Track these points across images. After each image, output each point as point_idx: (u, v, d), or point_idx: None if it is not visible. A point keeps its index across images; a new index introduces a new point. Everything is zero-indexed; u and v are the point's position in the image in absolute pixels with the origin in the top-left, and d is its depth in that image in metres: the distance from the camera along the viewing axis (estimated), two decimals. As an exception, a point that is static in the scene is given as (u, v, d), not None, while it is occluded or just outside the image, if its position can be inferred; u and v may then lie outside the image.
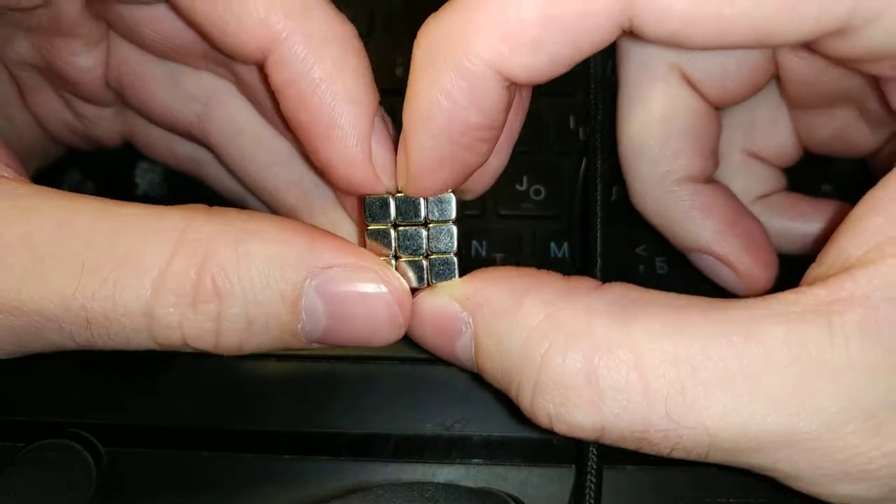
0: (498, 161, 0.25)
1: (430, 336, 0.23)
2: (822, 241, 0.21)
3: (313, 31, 0.22)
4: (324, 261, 0.20)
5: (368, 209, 0.24)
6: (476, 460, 0.29)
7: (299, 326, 0.21)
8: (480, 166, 0.23)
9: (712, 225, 0.28)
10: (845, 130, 0.28)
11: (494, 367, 0.21)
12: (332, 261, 0.21)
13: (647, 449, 0.20)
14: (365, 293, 0.21)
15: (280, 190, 0.29)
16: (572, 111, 0.35)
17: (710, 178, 0.28)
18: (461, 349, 0.22)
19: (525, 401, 0.20)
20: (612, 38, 0.20)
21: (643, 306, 0.20)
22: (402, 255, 0.24)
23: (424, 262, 0.24)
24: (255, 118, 0.28)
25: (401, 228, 0.24)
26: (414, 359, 0.29)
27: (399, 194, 0.24)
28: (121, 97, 0.29)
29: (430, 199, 0.23)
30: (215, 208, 0.21)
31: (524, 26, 0.20)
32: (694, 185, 0.28)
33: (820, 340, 0.18)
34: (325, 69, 0.22)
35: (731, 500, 0.28)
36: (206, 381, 0.29)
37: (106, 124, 0.31)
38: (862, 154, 0.29)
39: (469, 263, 0.25)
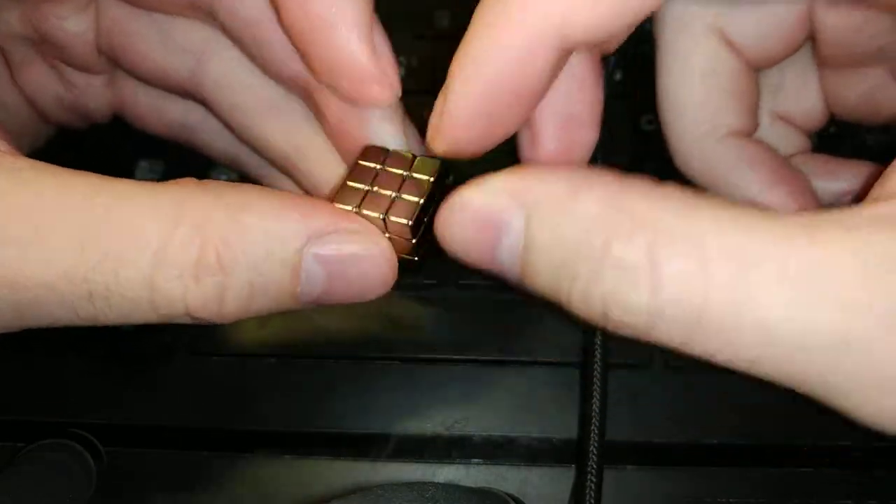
0: (592, 133, 0.25)
1: (470, 234, 0.21)
2: (853, 195, 0.20)
3: None
4: (318, 229, 0.21)
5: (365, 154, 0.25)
6: (476, 460, 0.29)
7: (298, 290, 0.21)
8: (505, 138, 0.23)
9: (760, 177, 0.28)
10: (875, 93, 0.28)
11: (547, 261, 0.20)
12: (327, 227, 0.21)
13: (694, 348, 0.19)
14: (359, 255, 0.22)
15: (274, 138, 0.29)
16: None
17: (751, 136, 0.29)
18: (506, 249, 0.20)
19: (579, 290, 0.19)
20: None
21: (706, 203, 0.19)
22: (364, 210, 0.24)
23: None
24: (246, 68, 0.28)
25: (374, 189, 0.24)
26: (414, 359, 0.29)
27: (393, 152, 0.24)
28: (113, 60, 0.29)
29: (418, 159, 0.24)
30: (205, 182, 0.21)
31: None
32: (738, 139, 0.28)
33: (886, 246, 0.18)
34: None
35: (730, 499, 0.28)
36: (206, 381, 0.29)
37: (96, 94, 0.31)
38: (890, 119, 0.29)
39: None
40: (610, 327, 0.20)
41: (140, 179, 0.34)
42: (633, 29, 0.21)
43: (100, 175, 0.21)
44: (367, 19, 0.23)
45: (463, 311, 0.30)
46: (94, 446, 0.28)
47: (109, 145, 0.34)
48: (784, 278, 0.18)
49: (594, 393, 0.26)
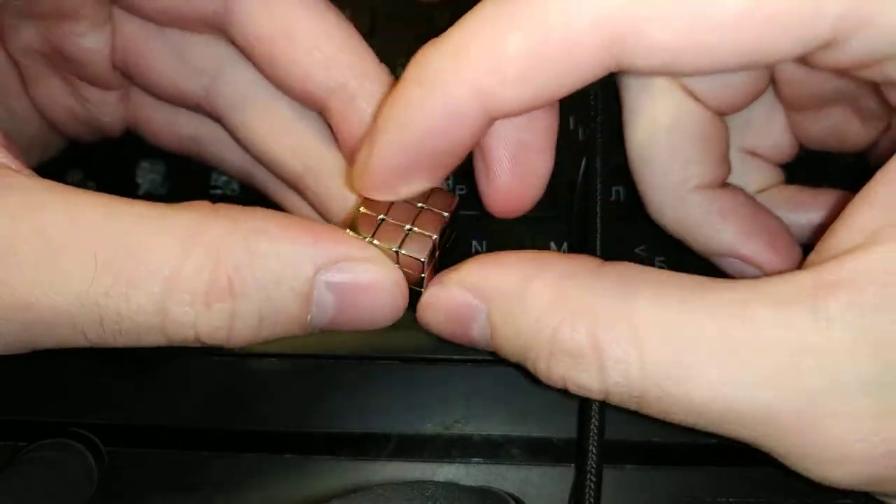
0: (547, 160, 0.26)
1: (445, 325, 0.24)
2: (824, 229, 0.21)
3: None
4: (331, 256, 0.21)
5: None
6: (476, 459, 0.29)
7: (308, 318, 0.22)
8: (431, 186, 0.24)
9: (733, 228, 0.28)
10: (839, 127, 0.29)
11: (511, 345, 0.22)
12: (338, 255, 0.22)
13: (645, 412, 0.21)
14: (369, 284, 0.22)
15: (286, 157, 0.29)
16: (572, 111, 0.35)
17: (724, 183, 0.29)
18: (478, 333, 0.23)
19: (542, 369, 0.22)
20: (599, 75, 0.21)
21: (642, 284, 0.21)
22: (377, 241, 0.24)
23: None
24: (261, 86, 0.28)
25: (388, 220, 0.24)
26: (414, 358, 0.29)
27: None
28: (128, 77, 0.30)
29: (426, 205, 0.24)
30: (219, 206, 0.21)
31: (511, 61, 0.20)
32: (710, 190, 0.28)
33: (805, 324, 0.19)
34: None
35: (730, 499, 0.28)
36: (207, 381, 0.29)
37: (110, 109, 0.31)
38: (857, 149, 0.30)
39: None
40: (577, 392, 0.22)
41: (141, 179, 0.34)
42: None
43: (113, 197, 0.21)
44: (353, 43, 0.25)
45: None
46: (95, 446, 0.28)
47: (111, 146, 0.34)
48: (713, 358, 0.20)
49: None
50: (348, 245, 0.22)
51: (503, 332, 0.22)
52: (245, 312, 0.21)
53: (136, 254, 0.20)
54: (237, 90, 0.29)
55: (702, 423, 0.20)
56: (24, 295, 0.19)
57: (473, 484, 0.28)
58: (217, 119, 0.30)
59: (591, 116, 0.30)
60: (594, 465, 0.25)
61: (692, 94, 0.27)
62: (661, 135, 0.27)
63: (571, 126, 0.35)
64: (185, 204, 0.21)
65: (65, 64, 0.30)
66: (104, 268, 0.19)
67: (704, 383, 0.20)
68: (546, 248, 0.32)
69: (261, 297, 0.21)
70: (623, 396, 0.21)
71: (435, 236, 0.24)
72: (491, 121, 0.22)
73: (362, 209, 0.24)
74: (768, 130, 0.30)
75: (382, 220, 0.24)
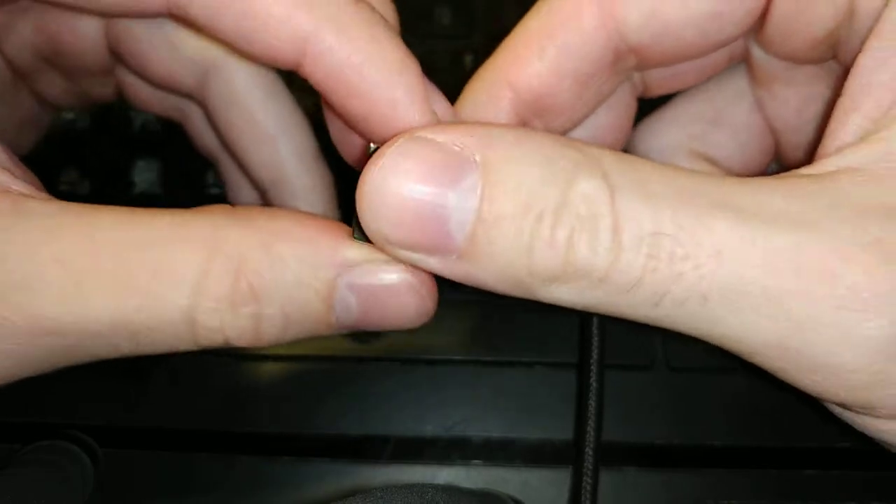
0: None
1: (421, 189, 0.19)
2: None
3: (339, 20, 0.22)
4: (352, 257, 0.21)
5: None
6: (476, 462, 0.29)
7: (334, 319, 0.21)
8: None
9: None
10: None
11: (512, 203, 0.19)
12: (360, 256, 0.21)
13: (643, 291, 0.19)
14: (391, 286, 0.21)
15: (257, 168, 0.29)
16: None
17: None
18: (459, 198, 0.19)
19: (543, 233, 0.18)
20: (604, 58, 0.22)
21: (645, 162, 0.20)
22: None
23: None
24: (251, 88, 0.28)
25: None
26: (413, 360, 0.29)
27: None
28: (121, 62, 0.29)
29: None
30: (237, 209, 0.21)
31: None
32: None
33: (815, 195, 0.19)
34: (362, 49, 0.22)
35: (731, 501, 0.28)
36: (204, 383, 0.29)
37: (103, 86, 0.31)
38: None
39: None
40: (570, 274, 0.19)
41: (136, 178, 0.34)
42: None
43: (129, 210, 0.21)
44: (421, 84, 0.22)
45: (462, 312, 0.30)
46: (90, 448, 0.28)
47: (107, 145, 0.34)
48: (723, 208, 0.18)
49: (590, 394, 0.26)
50: (368, 246, 0.21)
51: (504, 185, 0.18)
52: (269, 315, 0.21)
53: (159, 269, 0.20)
54: (228, 88, 0.28)
55: (714, 286, 0.18)
56: (53, 322, 0.19)
57: (474, 487, 0.28)
58: (203, 108, 0.29)
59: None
60: (591, 467, 0.25)
61: (715, 163, 0.28)
62: None
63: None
64: (204, 209, 0.21)
65: (60, 58, 0.29)
66: (129, 287, 0.19)
67: (722, 227, 0.18)
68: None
69: (283, 299, 0.20)
70: (629, 266, 0.18)
71: None
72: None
73: None
74: None
75: None
